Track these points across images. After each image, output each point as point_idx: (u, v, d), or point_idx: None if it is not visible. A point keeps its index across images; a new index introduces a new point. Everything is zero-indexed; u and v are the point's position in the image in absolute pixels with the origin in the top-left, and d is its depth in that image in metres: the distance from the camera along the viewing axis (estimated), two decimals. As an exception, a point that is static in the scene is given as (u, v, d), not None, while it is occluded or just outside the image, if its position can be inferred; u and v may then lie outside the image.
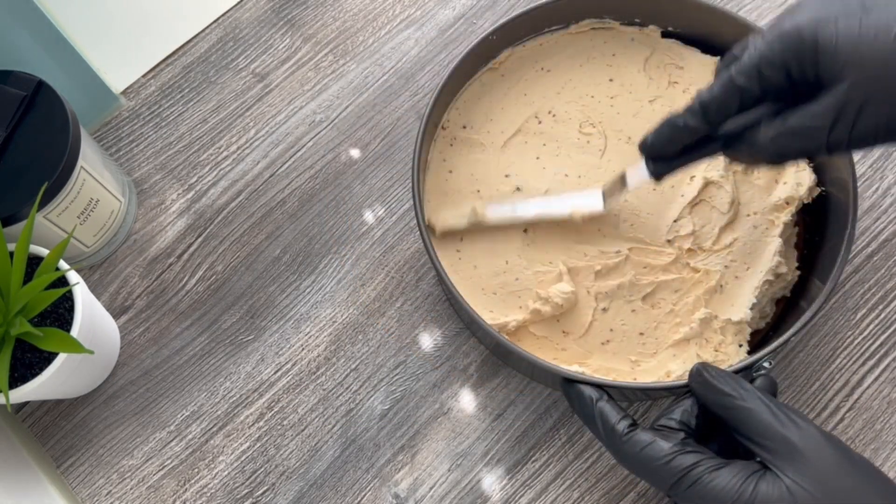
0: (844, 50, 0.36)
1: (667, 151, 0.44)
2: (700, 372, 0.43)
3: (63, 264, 0.47)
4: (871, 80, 0.36)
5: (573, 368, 0.48)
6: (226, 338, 0.55)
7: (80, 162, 0.50)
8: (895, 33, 0.35)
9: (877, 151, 0.58)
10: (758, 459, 0.39)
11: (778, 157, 0.40)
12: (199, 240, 0.58)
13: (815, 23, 0.37)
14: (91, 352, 0.44)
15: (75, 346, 0.44)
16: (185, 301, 0.56)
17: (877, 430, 0.51)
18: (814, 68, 0.37)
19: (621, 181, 0.48)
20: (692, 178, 0.52)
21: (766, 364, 0.45)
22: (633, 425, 0.42)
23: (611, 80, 0.56)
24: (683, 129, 0.42)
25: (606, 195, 0.50)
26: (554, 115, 0.55)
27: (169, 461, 0.52)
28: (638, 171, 0.46)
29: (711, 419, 0.42)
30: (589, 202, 0.51)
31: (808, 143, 0.38)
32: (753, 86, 0.39)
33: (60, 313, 0.47)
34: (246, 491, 0.51)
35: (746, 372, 0.45)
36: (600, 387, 0.44)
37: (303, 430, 0.53)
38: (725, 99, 0.40)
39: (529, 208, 0.51)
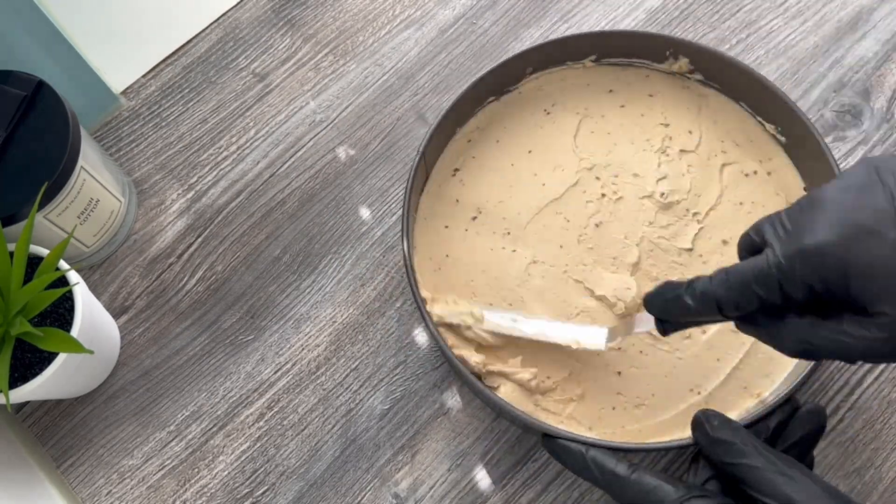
0: (883, 281, 0.33)
1: (674, 320, 0.42)
2: (701, 423, 0.42)
3: (63, 264, 0.47)
4: None
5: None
6: (226, 338, 0.55)
7: (80, 162, 0.50)
8: None
9: (876, 152, 0.58)
10: None
11: (798, 356, 0.38)
12: (199, 240, 0.58)
13: (841, 246, 0.34)
14: (91, 352, 0.44)
15: (75, 346, 0.44)
16: (185, 301, 0.56)
17: (877, 430, 0.51)
18: (843, 290, 0.34)
19: (627, 327, 0.46)
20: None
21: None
22: (633, 466, 0.41)
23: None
24: (694, 312, 0.39)
25: (610, 336, 0.48)
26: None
27: (169, 461, 0.52)
28: (646, 322, 0.44)
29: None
30: (592, 339, 0.48)
31: (837, 355, 0.36)
32: (773, 296, 0.36)
33: (60, 313, 0.47)
34: (246, 491, 0.51)
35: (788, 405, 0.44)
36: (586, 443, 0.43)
37: (303, 430, 0.53)
38: (742, 302, 0.37)
39: (529, 328, 0.49)
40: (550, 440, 0.44)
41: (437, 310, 0.49)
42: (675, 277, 0.50)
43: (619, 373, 0.49)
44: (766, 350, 0.48)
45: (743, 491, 0.39)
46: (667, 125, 0.55)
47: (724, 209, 0.52)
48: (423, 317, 0.47)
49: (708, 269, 0.50)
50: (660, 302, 0.41)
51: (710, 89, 0.56)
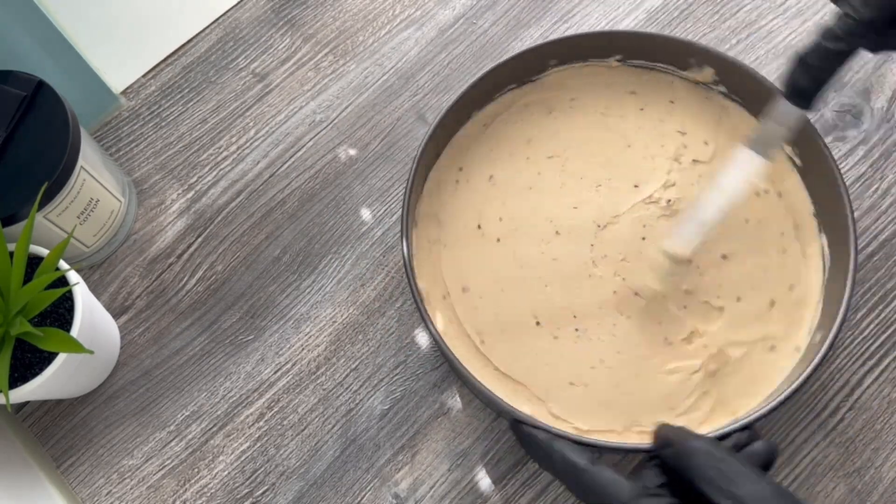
0: None
1: (822, 81, 0.42)
2: (659, 428, 0.42)
3: (63, 264, 0.47)
4: None
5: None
6: (226, 338, 0.55)
7: (80, 162, 0.50)
8: None
9: (876, 152, 0.58)
10: None
11: None
12: (199, 240, 0.58)
13: None
14: (91, 352, 0.44)
15: (75, 346, 0.44)
16: (185, 301, 0.56)
17: (877, 430, 0.51)
18: None
19: (769, 128, 0.45)
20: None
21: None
22: (593, 459, 0.41)
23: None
24: (848, 54, 0.40)
25: (760, 149, 0.46)
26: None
27: (169, 461, 0.52)
28: (786, 113, 0.44)
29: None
30: (753, 165, 0.46)
31: None
32: None
33: (60, 313, 0.47)
34: (246, 491, 0.51)
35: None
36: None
37: (303, 430, 0.53)
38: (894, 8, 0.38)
39: (711, 211, 0.47)
40: (517, 425, 0.44)
41: (653, 283, 0.49)
42: (666, 287, 0.50)
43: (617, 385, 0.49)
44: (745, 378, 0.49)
45: (697, 493, 0.39)
46: (684, 133, 0.55)
47: (729, 224, 0.52)
48: (423, 317, 0.47)
49: (704, 282, 0.50)
50: (806, 68, 0.42)
51: (732, 102, 0.55)
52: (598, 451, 0.44)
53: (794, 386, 0.45)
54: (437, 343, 0.47)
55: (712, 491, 0.38)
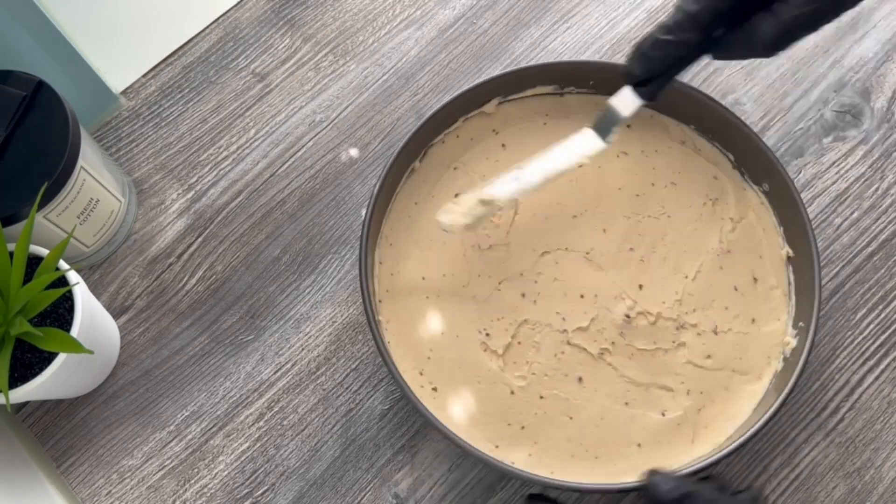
0: None
1: (656, 71, 0.43)
2: (650, 479, 0.42)
3: (63, 264, 0.47)
4: None
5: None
6: (226, 338, 0.55)
7: (80, 162, 0.50)
8: None
9: (876, 152, 0.58)
10: None
11: (779, 48, 0.40)
12: (199, 240, 0.58)
13: None
14: (91, 352, 0.44)
15: (75, 346, 0.44)
16: (185, 301, 0.56)
17: (877, 430, 0.51)
18: None
19: (609, 114, 0.46)
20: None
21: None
22: None
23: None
24: (678, 45, 0.41)
25: (601, 131, 0.48)
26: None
27: (169, 461, 0.52)
28: (626, 100, 0.45)
29: None
30: (591, 146, 0.48)
31: (806, 26, 0.39)
32: None
33: (60, 313, 0.47)
34: (246, 491, 0.51)
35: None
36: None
37: (303, 430, 0.53)
38: (717, 3, 0.40)
39: (533, 174, 0.48)
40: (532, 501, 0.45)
41: (446, 219, 0.49)
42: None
43: (571, 417, 0.49)
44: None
45: None
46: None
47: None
48: (373, 332, 0.47)
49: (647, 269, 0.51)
50: (638, 59, 0.43)
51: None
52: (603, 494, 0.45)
53: (765, 417, 0.46)
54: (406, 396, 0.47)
55: None
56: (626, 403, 0.49)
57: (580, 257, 0.52)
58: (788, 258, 0.51)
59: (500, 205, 0.49)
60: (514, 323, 0.50)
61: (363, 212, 0.53)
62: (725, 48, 0.42)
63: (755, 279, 0.51)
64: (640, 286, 0.51)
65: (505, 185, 0.49)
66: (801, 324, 0.49)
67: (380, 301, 0.51)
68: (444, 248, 0.52)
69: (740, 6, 0.40)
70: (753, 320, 0.50)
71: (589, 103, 0.56)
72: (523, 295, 0.51)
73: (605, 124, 0.47)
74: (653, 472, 0.43)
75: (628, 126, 0.55)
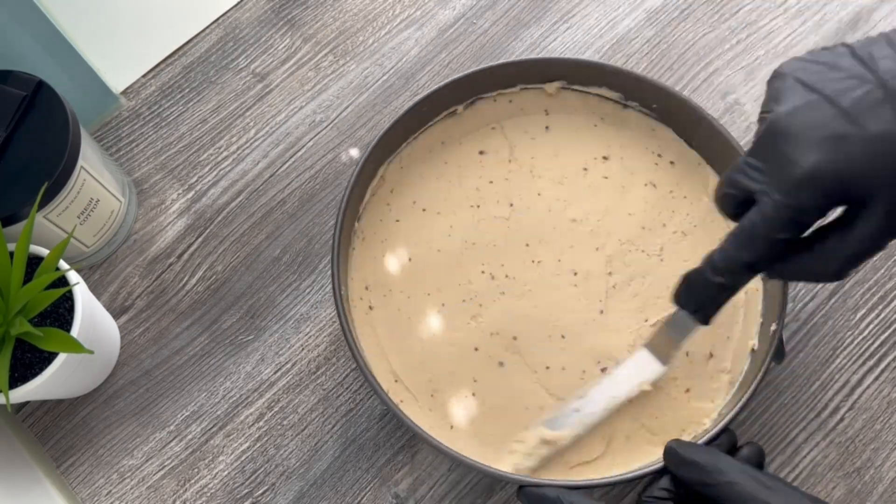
0: (866, 171, 0.36)
1: (710, 304, 0.43)
2: (675, 451, 0.42)
3: (63, 264, 0.47)
4: None
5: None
6: (226, 338, 0.55)
7: (80, 162, 0.50)
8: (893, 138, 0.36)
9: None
10: None
11: (842, 273, 0.40)
12: (199, 240, 0.58)
13: (826, 161, 0.36)
14: (91, 352, 0.44)
15: (75, 346, 0.44)
16: (185, 301, 0.56)
17: (877, 430, 0.51)
18: (844, 197, 0.37)
19: (668, 334, 0.46)
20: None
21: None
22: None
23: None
24: (727, 288, 0.41)
25: (658, 353, 0.47)
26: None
27: (169, 461, 0.52)
28: (682, 321, 0.44)
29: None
30: (649, 368, 0.47)
31: (866, 256, 0.38)
32: (794, 234, 0.38)
33: (60, 313, 0.47)
34: (246, 491, 0.51)
35: (729, 433, 0.45)
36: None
37: (303, 430, 0.53)
38: (767, 252, 0.39)
39: (595, 405, 0.48)
40: (525, 491, 0.44)
41: (510, 461, 0.47)
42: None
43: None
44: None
45: None
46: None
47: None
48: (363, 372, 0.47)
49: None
50: (690, 294, 0.43)
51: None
52: (608, 487, 0.44)
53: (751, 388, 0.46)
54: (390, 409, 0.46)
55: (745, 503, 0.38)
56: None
57: (564, 269, 0.52)
58: (752, 350, 0.49)
59: (565, 444, 0.47)
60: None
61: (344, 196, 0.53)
62: (784, 275, 0.41)
63: (711, 355, 0.50)
64: (601, 311, 0.51)
65: (566, 419, 0.47)
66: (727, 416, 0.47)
67: (371, 308, 0.51)
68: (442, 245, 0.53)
69: (790, 246, 0.39)
70: (688, 390, 0.49)
71: (646, 125, 0.55)
72: (503, 293, 0.51)
73: (663, 345, 0.47)
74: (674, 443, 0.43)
75: (671, 162, 0.54)
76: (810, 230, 0.39)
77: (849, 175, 0.36)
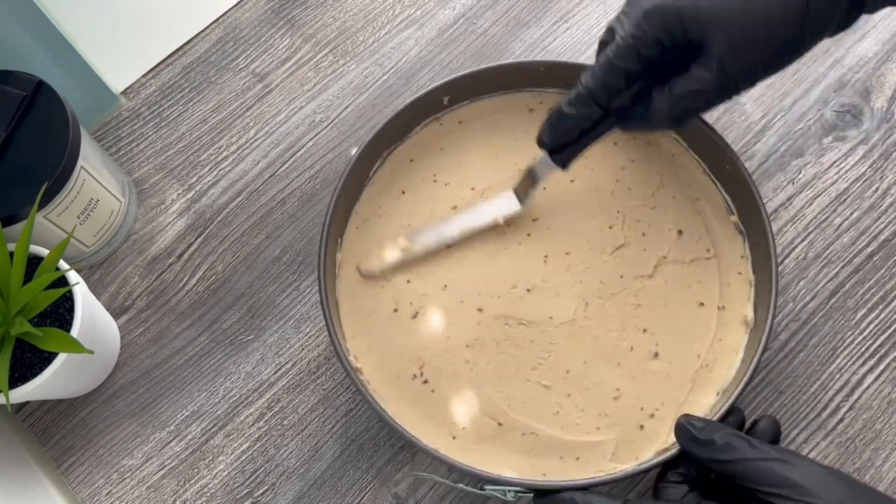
0: (705, 12, 0.40)
1: (565, 141, 0.46)
2: (685, 428, 0.42)
3: (63, 264, 0.47)
4: (734, 32, 0.40)
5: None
6: (226, 338, 0.55)
7: (80, 162, 0.50)
8: None
9: (876, 152, 0.58)
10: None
11: (675, 123, 0.44)
12: (199, 240, 0.58)
13: None
14: (91, 352, 0.44)
15: (75, 346, 0.44)
16: (185, 301, 0.56)
17: (877, 430, 0.51)
18: (683, 35, 0.41)
19: (530, 177, 0.49)
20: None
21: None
22: (627, 501, 0.41)
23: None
24: (578, 118, 0.44)
25: (520, 195, 0.51)
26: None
27: (169, 461, 0.52)
28: (544, 164, 0.48)
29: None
30: (507, 205, 0.51)
31: (699, 101, 0.42)
32: (634, 65, 0.42)
33: (60, 313, 0.47)
34: (246, 491, 0.51)
35: (737, 410, 0.45)
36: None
37: (303, 430, 0.53)
38: (611, 81, 0.42)
39: (453, 228, 0.52)
40: (543, 499, 0.44)
41: (365, 265, 0.51)
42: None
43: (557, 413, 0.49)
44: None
45: (740, 488, 0.39)
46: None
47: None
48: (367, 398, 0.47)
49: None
50: (547, 129, 0.46)
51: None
52: (619, 482, 0.45)
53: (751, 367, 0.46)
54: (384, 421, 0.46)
55: (764, 482, 0.38)
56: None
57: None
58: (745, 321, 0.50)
59: (416, 256, 0.51)
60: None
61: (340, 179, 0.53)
62: (628, 121, 0.45)
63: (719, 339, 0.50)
64: (586, 304, 0.51)
65: (425, 237, 0.52)
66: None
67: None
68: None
69: (640, 82, 0.43)
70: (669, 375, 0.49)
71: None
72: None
73: (524, 187, 0.50)
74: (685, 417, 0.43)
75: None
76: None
77: (689, 11, 0.40)
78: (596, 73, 0.43)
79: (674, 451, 0.44)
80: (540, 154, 0.48)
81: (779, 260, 0.55)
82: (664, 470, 0.43)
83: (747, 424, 0.46)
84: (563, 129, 0.45)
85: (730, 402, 0.45)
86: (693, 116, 0.44)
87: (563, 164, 0.47)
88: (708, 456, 0.41)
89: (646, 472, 0.44)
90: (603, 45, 0.44)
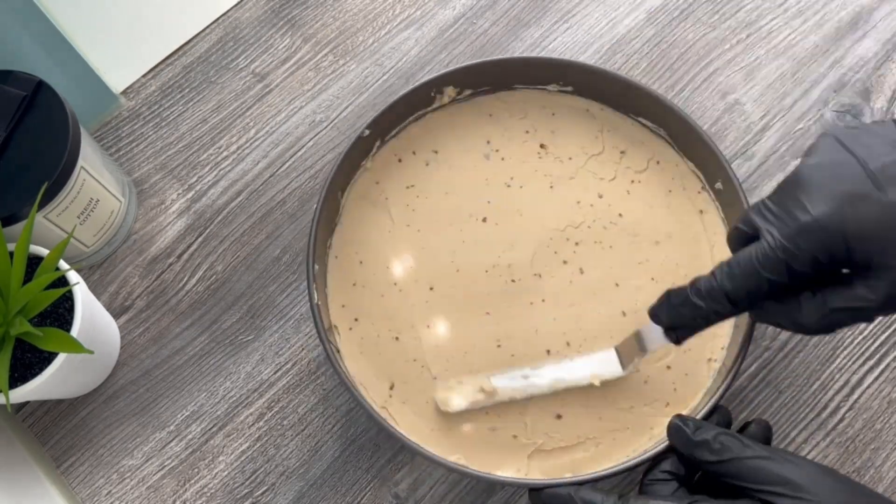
0: (877, 237, 0.36)
1: (684, 325, 0.42)
2: (679, 428, 0.42)
3: (63, 264, 0.47)
4: None
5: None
6: (226, 338, 0.55)
7: (80, 162, 0.50)
8: None
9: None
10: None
11: (823, 332, 0.40)
12: (199, 240, 0.58)
13: (836, 215, 0.36)
14: (91, 352, 0.44)
15: (75, 346, 0.44)
16: (185, 301, 0.56)
17: (877, 430, 0.51)
18: (845, 255, 0.37)
19: (637, 343, 0.46)
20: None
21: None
22: (622, 497, 0.41)
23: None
24: (705, 312, 0.40)
25: (623, 357, 0.47)
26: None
27: (169, 461, 0.52)
28: (655, 335, 0.44)
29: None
30: (609, 368, 0.48)
31: (857, 319, 0.38)
32: (782, 277, 0.38)
33: (60, 313, 0.47)
34: (246, 491, 0.51)
35: (723, 409, 0.45)
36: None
37: (303, 430, 0.53)
38: (752, 288, 0.39)
39: (543, 378, 0.48)
40: (536, 493, 0.44)
41: (443, 399, 0.48)
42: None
43: (560, 416, 0.49)
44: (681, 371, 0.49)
45: (734, 487, 0.39)
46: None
47: None
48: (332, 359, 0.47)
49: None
50: (668, 310, 0.42)
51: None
52: (615, 476, 0.45)
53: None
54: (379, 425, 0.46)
55: (759, 480, 0.38)
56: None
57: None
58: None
59: (500, 400, 0.48)
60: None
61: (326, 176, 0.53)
62: (765, 315, 0.41)
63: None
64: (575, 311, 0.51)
65: (512, 381, 0.48)
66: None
67: (355, 320, 0.51)
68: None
69: (780, 290, 0.39)
70: (669, 368, 0.50)
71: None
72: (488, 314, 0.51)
73: (629, 352, 0.47)
74: (677, 418, 0.43)
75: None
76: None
77: (855, 234, 0.36)
78: (736, 277, 0.39)
79: (663, 446, 0.44)
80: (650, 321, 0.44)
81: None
82: (650, 466, 0.43)
83: (735, 425, 0.46)
84: (685, 316, 0.41)
85: (713, 400, 0.45)
86: (841, 328, 0.40)
87: (678, 342, 0.43)
88: (703, 457, 0.41)
89: (636, 467, 0.44)
90: (736, 238, 0.40)
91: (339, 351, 0.49)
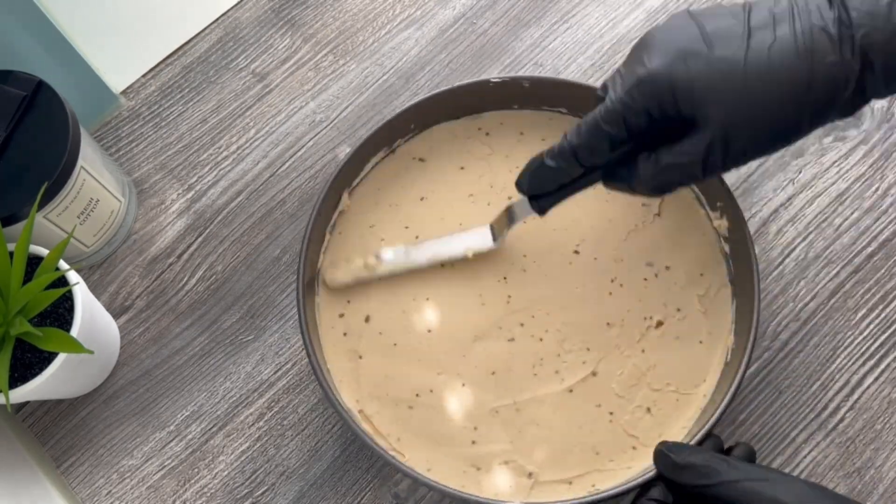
0: (700, 89, 0.38)
1: (544, 190, 0.45)
2: (667, 455, 0.42)
3: (63, 264, 0.47)
4: (730, 112, 0.38)
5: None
6: (226, 338, 0.55)
7: (80, 162, 0.50)
8: (741, 68, 0.38)
9: (876, 152, 0.58)
10: None
11: (658, 191, 0.43)
12: (199, 240, 0.58)
13: (667, 67, 0.39)
14: (91, 352, 0.44)
15: (75, 346, 0.44)
16: (185, 301, 0.56)
17: (877, 430, 0.51)
18: (674, 108, 0.39)
19: (508, 216, 0.49)
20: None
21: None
22: None
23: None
24: (558, 172, 0.43)
25: (496, 231, 0.51)
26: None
27: (169, 461, 0.52)
28: (523, 206, 0.47)
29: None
30: (480, 240, 0.51)
31: (684, 175, 0.41)
32: (620, 131, 0.41)
33: (60, 313, 0.47)
34: (246, 491, 0.51)
35: (714, 438, 0.45)
36: None
37: (303, 430, 0.53)
38: (595, 143, 0.41)
39: (422, 252, 0.51)
40: None
41: (331, 276, 0.51)
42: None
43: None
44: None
45: None
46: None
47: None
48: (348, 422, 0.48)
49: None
50: (526, 177, 0.45)
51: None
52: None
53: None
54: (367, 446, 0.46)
55: (751, 502, 0.38)
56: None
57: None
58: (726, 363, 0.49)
59: (380, 274, 0.51)
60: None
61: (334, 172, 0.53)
62: (611, 180, 0.44)
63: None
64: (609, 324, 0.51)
65: (393, 255, 0.51)
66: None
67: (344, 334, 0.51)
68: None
69: (627, 144, 0.42)
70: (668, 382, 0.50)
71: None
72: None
73: (501, 225, 0.50)
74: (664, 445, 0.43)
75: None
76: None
77: (682, 87, 0.38)
78: (581, 133, 0.41)
79: (650, 473, 0.43)
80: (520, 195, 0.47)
81: (779, 261, 0.55)
82: (638, 494, 0.43)
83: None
84: (542, 179, 0.44)
85: (708, 425, 0.45)
86: (676, 188, 0.43)
87: (541, 211, 0.46)
88: (690, 481, 0.40)
89: (624, 494, 0.44)
90: (597, 99, 0.42)
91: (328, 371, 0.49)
